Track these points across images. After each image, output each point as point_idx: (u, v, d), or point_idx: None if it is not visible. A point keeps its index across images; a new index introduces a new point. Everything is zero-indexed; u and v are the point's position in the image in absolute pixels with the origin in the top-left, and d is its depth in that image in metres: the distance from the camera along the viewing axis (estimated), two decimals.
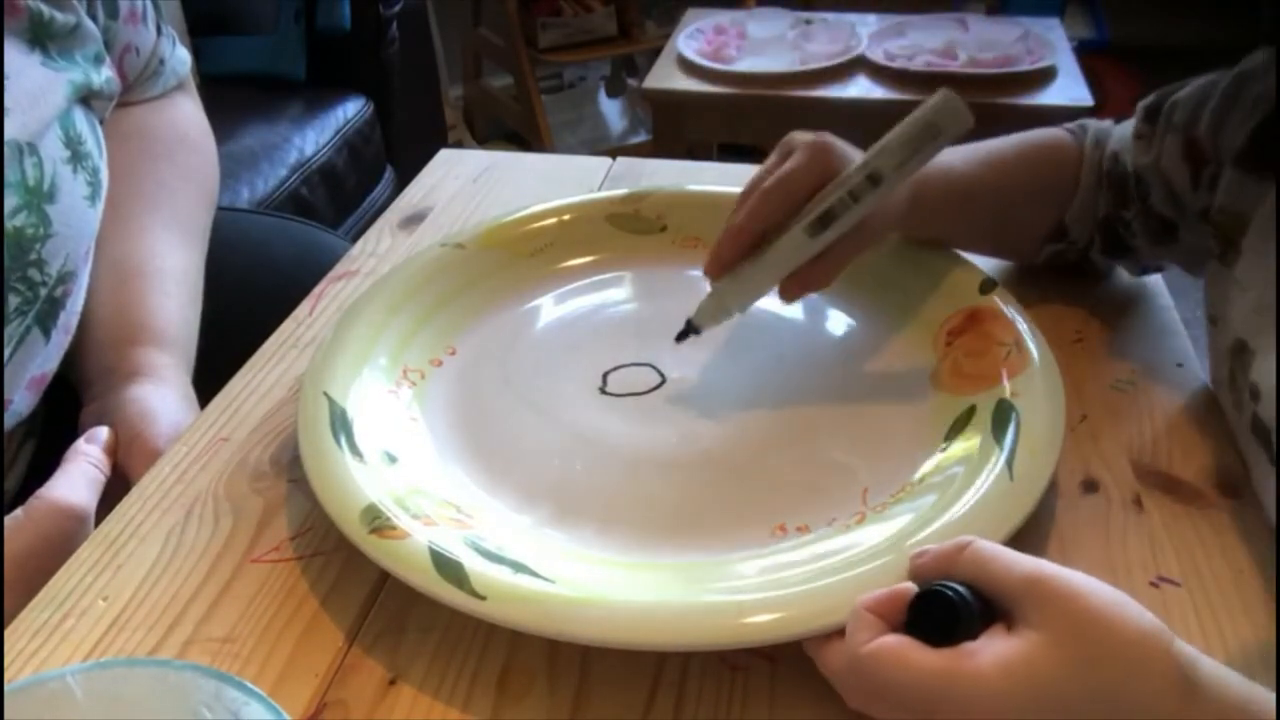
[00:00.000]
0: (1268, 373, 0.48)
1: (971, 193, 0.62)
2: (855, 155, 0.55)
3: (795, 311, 0.64)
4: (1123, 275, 0.68)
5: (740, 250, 0.56)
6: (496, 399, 0.58)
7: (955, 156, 0.60)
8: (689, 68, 1.76)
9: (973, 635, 0.37)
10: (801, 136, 0.56)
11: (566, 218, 0.70)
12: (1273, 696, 0.35)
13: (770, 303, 0.60)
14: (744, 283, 0.56)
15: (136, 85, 0.77)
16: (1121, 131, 0.63)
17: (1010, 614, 0.37)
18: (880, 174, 0.53)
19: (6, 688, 0.35)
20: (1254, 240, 0.52)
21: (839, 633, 0.40)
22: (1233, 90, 0.55)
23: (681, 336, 0.59)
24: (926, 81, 1.65)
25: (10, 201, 0.57)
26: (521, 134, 2.56)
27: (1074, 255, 0.66)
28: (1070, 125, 0.65)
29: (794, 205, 0.55)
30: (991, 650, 0.36)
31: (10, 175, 0.57)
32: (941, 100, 0.53)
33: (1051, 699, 0.35)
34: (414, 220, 0.79)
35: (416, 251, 0.67)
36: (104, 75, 0.67)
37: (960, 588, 0.38)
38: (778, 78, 1.71)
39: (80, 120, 0.64)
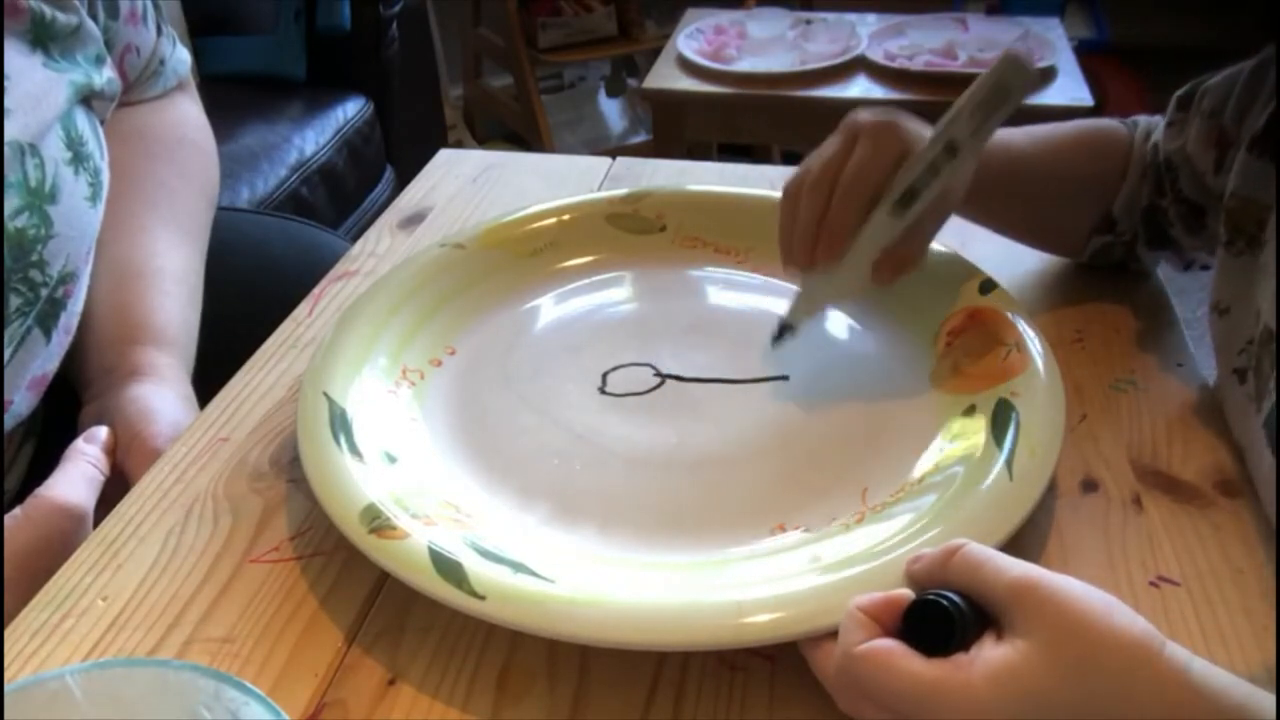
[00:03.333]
0: None
1: (1028, 171, 0.63)
2: (921, 129, 0.55)
3: None
4: (1122, 276, 0.68)
5: (838, 249, 0.55)
6: (496, 399, 0.58)
7: (1015, 135, 0.61)
8: (689, 68, 1.76)
9: (965, 646, 0.37)
10: (865, 117, 0.56)
11: (566, 218, 0.70)
12: (1270, 698, 0.35)
13: (771, 302, 0.60)
14: (837, 274, 0.56)
15: (137, 85, 0.77)
16: (1163, 122, 0.63)
17: (1000, 620, 0.37)
18: (957, 143, 0.53)
19: (6, 688, 0.35)
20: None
21: (832, 635, 0.40)
22: (1258, 75, 0.55)
23: (778, 338, 0.58)
24: (926, 81, 1.65)
25: (12, 202, 0.57)
26: (521, 134, 2.56)
27: (1119, 252, 0.66)
28: (1124, 118, 0.66)
29: (876, 193, 0.54)
30: (981, 660, 0.36)
31: (12, 176, 0.57)
32: (1007, 60, 0.53)
33: (1041, 708, 0.35)
34: (414, 220, 0.79)
35: (416, 251, 0.67)
36: (105, 76, 0.67)
37: (956, 597, 0.38)
38: (778, 78, 1.70)
39: (81, 121, 0.64)
